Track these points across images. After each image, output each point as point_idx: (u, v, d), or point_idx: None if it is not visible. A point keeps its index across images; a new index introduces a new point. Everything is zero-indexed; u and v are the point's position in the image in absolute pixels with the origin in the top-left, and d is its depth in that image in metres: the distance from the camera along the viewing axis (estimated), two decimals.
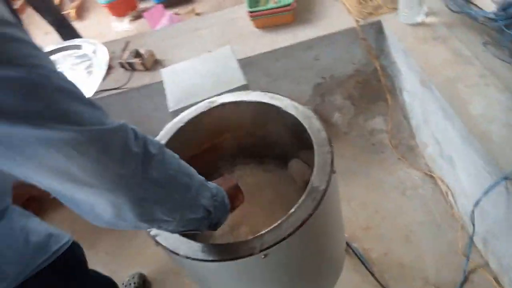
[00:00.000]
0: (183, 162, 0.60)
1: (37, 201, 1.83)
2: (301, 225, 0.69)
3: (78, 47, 1.66)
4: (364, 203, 1.55)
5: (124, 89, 1.61)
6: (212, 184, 0.66)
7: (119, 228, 0.53)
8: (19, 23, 0.44)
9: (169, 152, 0.57)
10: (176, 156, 0.59)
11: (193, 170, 0.61)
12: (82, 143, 0.44)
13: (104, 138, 0.46)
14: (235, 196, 0.74)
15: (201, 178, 0.62)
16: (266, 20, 1.68)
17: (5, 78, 0.40)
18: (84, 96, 0.47)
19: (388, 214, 1.49)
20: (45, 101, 0.42)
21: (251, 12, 1.66)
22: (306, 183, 0.99)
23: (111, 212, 0.49)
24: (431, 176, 1.53)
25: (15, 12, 2.31)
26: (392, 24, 1.55)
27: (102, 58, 1.52)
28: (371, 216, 1.50)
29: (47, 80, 0.43)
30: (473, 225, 1.21)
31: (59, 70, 0.46)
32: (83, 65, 1.55)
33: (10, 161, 0.43)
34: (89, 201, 0.48)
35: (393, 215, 1.49)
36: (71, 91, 0.46)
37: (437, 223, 1.42)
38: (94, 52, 1.59)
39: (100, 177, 0.46)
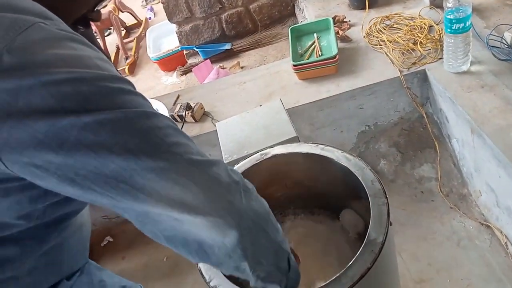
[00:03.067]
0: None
1: (89, 251, 1.90)
2: (360, 279, 0.69)
3: None
4: (415, 255, 1.49)
5: None
6: None
7: (209, 261, 0.55)
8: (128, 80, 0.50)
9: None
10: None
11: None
12: (196, 172, 0.48)
13: (214, 168, 0.51)
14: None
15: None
16: (310, 72, 1.74)
17: (128, 118, 0.45)
18: (186, 134, 0.52)
19: (443, 267, 1.43)
20: (160, 136, 0.47)
21: (295, 65, 1.73)
22: (359, 234, 1.00)
23: (219, 248, 0.52)
24: (488, 226, 1.46)
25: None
26: (437, 73, 1.56)
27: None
28: (424, 269, 1.44)
29: (158, 119, 0.48)
30: None
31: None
32: None
33: (130, 199, 0.47)
34: (198, 238, 0.51)
35: (448, 268, 1.42)
36: (176, 128, 0.50)
37: (497, 277, 1.34)
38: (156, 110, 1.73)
39: (213, 204, 0.50)
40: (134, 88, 0.50)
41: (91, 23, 0.66)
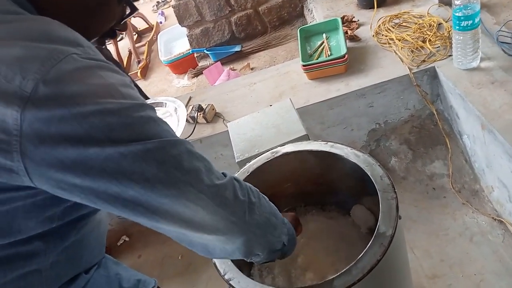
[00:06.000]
0: (270, 203, 0.69)
1: (106, 250, 1.95)
2: (370, 271, 0.71)
3: (162, 104, 1.86)
4: (428, 251, 1.50)
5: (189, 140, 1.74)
6: (284, 219, 0.74)
7: (211, 256, 0.64)
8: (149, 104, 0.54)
9: (262, 195, 0.67)
10: (266, 197, 0.68)
11: (275, 209, 0.70)
12: (204, 199, 0.54)
13: (220, 192, 0.56)
14: (296, 227, 0.82)
15: (280, 215, 0.71)
16: (319, 72, 1.76)
17: (147, 150, 0.49)
18: (200, 155, 0.56)
19: (455, 262, 1.43)
20: (174, 165, 0.52)
21: (304, 65, 1.75)
22: (370, 229, 1.02)
23: (221, 250, 0.60)
24: (500, 221, 1.46)
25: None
26: (446, 70, 1.57)
27: (182, 115, 1.70)
28: (437, 265, 1.45)
29: (173, 147, 0.52)
30: None
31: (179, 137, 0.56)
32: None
33: (148, 220, 0.53)
34: (203, 242, 0.58)
35: (461, 264, 1.42)
36: (190, 152, 0.54)
37: (511, 272, 1.34)
38: (175, 109, 1.76)
39: (217, 225, 0.56)
40: (154, 112, 0.54)
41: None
